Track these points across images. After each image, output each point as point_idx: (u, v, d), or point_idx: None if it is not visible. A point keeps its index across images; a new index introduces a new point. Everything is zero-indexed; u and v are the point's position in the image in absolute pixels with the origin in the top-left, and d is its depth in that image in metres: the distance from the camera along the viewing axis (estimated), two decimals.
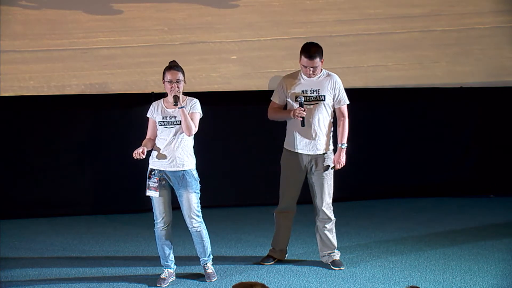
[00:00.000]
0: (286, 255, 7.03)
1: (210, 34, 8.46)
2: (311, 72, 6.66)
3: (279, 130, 8.97)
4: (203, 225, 6.50)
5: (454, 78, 8.99)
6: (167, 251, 6.52)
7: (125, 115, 8.68)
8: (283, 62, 8.56)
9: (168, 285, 6.45)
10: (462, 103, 9.34)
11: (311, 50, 6.64)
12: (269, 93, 8.70)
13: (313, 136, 6.70)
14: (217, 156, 8.89)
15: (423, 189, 9.43)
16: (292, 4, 8.61)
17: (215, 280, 6.52)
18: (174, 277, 6.56)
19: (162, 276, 6.50)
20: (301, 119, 6.64)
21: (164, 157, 6.36)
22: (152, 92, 8.32)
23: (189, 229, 6.49)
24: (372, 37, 8.75)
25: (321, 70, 6.75)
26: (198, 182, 6.45)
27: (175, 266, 6.58)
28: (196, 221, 6.44)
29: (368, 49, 8.73)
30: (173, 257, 6.56)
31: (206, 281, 6.51)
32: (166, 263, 6.53)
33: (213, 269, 6.58)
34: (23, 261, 7.08)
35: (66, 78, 8.25)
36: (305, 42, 6.74)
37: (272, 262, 6.94)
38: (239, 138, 9.06)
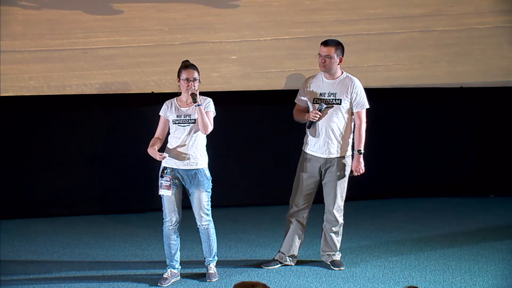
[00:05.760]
0: (295, 260, 6.94)
1: (210, 34, 8.46)
2: (323, 61, 6.63)
3: (279, 130, 8.99)
4: (212, 224, 6.54)
5: (454, 78, 9.00)
6: (173, 250, 6.51)
7: (125, 115, 8.68)
8: (283, 62, 8.56)
9: (169, 285, 6.45)
10: (462, 103, 9.34)
11: (327, 40, 6.70)
12: (269, 93, 8.76)
13: (327, 139, 6.67)
14: (217, 156, 8.87)
15: (423, 189, 9.43)
16: (292, 4, 8.61)
17: (216, 280, 6.52)
18: (179, 277, 6.55)
19: (165, 275, 6.50)
20: (311, 120, 6.64)
21: (178, 155, 6.37)
22: (152, 92, 8.33)
23: (198, 226, 6.52)
24: (372, 37, 8.75)
25: (342, 72, 6.73)
26: (210, 181, 6.48)
27: (180, 267, 6.57)
28: (205, 218, 6.48)
29: (368, 49, 8.73)
30: (179, 257, 6.55)
31: (206, 281, 6.51)
32: (171, 263, 6.52)
33: (215, 270, 6.58)
34: (23, 261, 7.07)
35: (66, 78, 8.25)
36: None
37: (278, 266, 6.87)
38: (239, 138, 9.06)
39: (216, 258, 6.61)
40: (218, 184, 8.83)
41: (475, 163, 9.50)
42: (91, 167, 8.75)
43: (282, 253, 6.87)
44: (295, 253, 6.87)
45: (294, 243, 6.85)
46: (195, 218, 6.52)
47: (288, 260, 6.86)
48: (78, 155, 8.69)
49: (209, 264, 6.58)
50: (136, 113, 8.64)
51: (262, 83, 8.58)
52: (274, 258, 6.91)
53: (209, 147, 8.30)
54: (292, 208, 6.84)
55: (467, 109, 9.41)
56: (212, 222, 6.54)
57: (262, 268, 6.84)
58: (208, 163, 6.52)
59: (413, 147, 9.40)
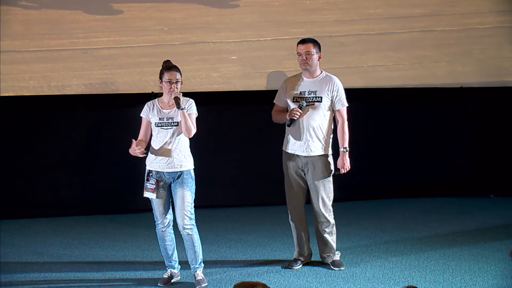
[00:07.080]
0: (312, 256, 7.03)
1: (210, 34, 8.46)
2: (304, 58, 6.66)
3: (279, 130, 8.99)
4: (195, 229, 6.38)
5: (454, 78, 8.99)
6: (170, 251, 6.49)
7: (125, 115, 8.67)
8: (283, 62, 8.56)
9: (169, 285, 6.45)
10: (462, 103, 9.34)
11: (303, 38, 6.77)
12: (269, 93, 8.74)
13: (308, 137, 6.67)
14: (217, 156, 8.89)
15: (423, 189, 9.43)
16: (292, 4, 8.61)
17: (205, 286, 6.40)
18: (179, 277, 6.54)
19: (164, 276, 6.49)
20: (292, 118, 6.64)
21: (162, 158, 6.34)
22: (152, 92, 8.31)
23: (181, 232, 6.36)
24: (372, 37, 8.75)
25: (321, 71, 6.75)
26: (194, 182, 6.40)
27: (179, 266, 6.55)
28: (187, 221, 6.31)
29: (368, 49, 8.73)
30: (177, 257, 6.53)
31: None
32: (170, 263, 6.51)
33: (203, 276, 6.43)
34: (23, 262, 7.07)
35: (66, 78, 8.25)
36: None
37: (300, 265, 6.90)
38: (239, 138, 9.07)
39: (202, 264, 6.47)
40: (218, 184, 8.88)
41: (475, 163, 9.50)
42: (91, 167, 8.75)
43: (301, 253, 6.91)
44: (310, 250, 6.94)
45: (306, 242, 6.89)
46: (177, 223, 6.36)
47: (305, 257, 6.92)
48: (78, 155, 8.70)
49: (195, 271, 6.44)
50: (137, 113, 8.64)
51: (262, 83, 8.58)
52: (295, 258, 6.92)
53: (209, 147, 8.32)
54: (291, 211, 6.84)
55: (467, 109, 9.41)
56: (196, 227, 6.37)
57: (288, 268, 6.81)
58: (195, 164, 6.41)
59: (413, 147, 9.40)
